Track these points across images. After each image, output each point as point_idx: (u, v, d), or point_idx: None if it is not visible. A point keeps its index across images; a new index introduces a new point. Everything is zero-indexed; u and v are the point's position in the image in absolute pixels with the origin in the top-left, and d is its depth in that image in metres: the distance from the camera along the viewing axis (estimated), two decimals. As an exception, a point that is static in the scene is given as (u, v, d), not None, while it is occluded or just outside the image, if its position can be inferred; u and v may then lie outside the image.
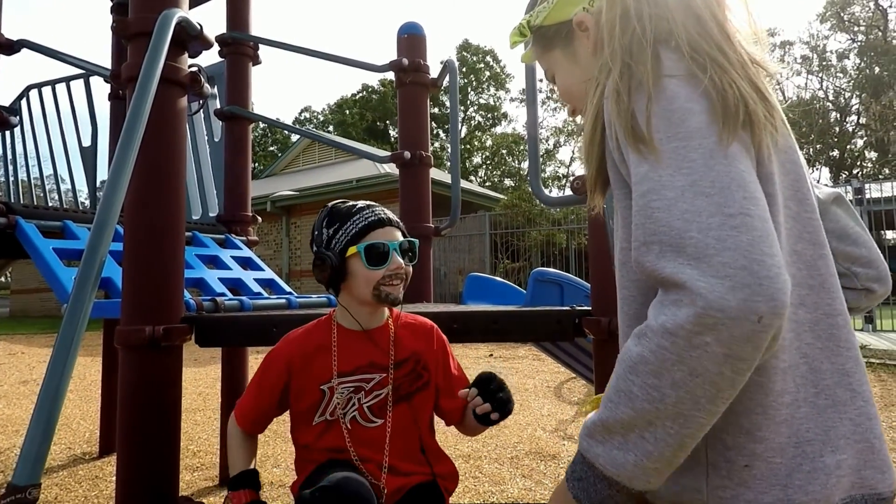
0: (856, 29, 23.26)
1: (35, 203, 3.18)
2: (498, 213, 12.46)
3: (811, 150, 21.49)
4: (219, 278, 2.43)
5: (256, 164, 30.61)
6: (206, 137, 3.22)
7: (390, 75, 2.83)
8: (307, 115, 37.13)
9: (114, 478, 2.21)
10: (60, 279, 1.91)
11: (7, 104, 3.29)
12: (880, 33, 22.34)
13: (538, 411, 4.08)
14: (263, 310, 2.05)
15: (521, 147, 29.71)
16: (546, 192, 1.97)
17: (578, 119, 0.90)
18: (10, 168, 3.39)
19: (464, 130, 32.00)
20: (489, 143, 32.28)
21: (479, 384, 1.19)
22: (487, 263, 11.54)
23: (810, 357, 0.63)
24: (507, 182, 30.45)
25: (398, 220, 1.28)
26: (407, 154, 2.68)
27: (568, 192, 1.75)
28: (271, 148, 34.17)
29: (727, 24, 0.66)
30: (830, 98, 23.49)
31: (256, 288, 2.56)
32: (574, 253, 11.56)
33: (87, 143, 3.37)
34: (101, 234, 1.26)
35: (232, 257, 2.74)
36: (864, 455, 0.63)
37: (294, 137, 21.72)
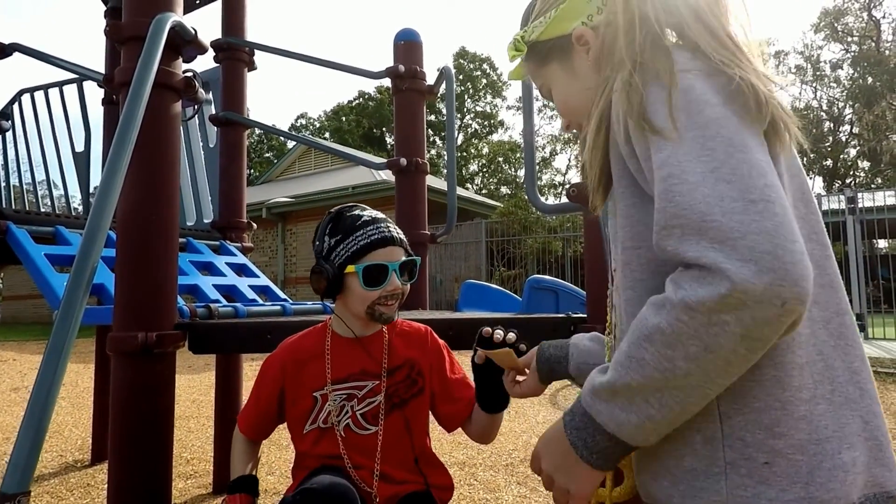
0: (849, 39, 23.52)
1: (27, 208, 3.16)
2: (494, 220, 12.47)
3: (805, 158, 21.64)
4: (213, 285, 2.42)
5: (252, 171, 30.58)
6: (201, 143, 3.21)
7: (387, 82, 2.84)
8: (303, 122, 37.17)
9: (106, 486, 2.18)
10: (52, 285, 1.90)
11: (-1, 109, 3.29)
12: (873, 44, 22.59)
13: (533, 418, 4.07)
14: (258, 316, 2.04)
15: (518, 155, 29.80)
16: (542, 199, 1.97)
17: (573, 132, 0.92)
18: (2, 173, 3.37)
19: (460, 138, 32.07)
20: (486, 150, 32.38)
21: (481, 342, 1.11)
22: (483, 271, 11.53)
23: (825, 354, 0.64)
24: (504, 190, 30.51)
25: (402, 237, 1.24)
26: (403, 161, 2.68)
27: (564, 199, 1.75)
28: (267, 154, 34.17)
29: (737, 38, 0.68)
30: (824, 108, 23.71)
31: (251, 295, 2.55)
32: (570, 261, 11.58)
33: (80, 148, 3.35)
34: (93, 239, 1.25)
35: (226, 264, 2.72)
36: (873, 452, 0.63)
37: (290, 144, 21.75)
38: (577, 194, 1.63)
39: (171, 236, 1.65)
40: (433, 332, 1.34)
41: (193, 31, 1.63)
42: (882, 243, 16.73)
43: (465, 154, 31.64)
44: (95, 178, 3.42)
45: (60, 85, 3.30)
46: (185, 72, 1.77)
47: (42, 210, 3.28)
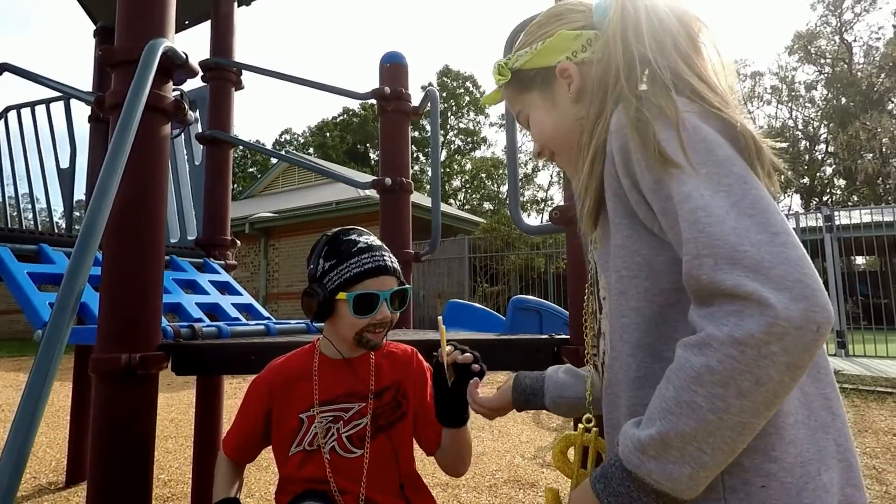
0: (822, 61, 24.25)
1: (10, 225, 3.13)
2: (477, 236, 12.53)
3: (783, 177, 22.11)
4: (196, 303, 2.41)
5: (236, 186, 30.36)
6: (187, 160, 3.21)
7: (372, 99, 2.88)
8: (287, 137, 37.14)
9: (82, 510, 2.14)
10: (34, 304, 1.88)
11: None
12: (846, 66, 23.33)
13: (517, 438, 4.07)
14: (242, 336, 2.03)
15: (501, 171, 30.05)
16: (525, 215, 2.01)
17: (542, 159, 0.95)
18: (-14, 190, 3.33)
19: (444, 154, 32.28)
20: (469, 166, 32.60)
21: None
22: (466, 287, 11.56)
23: (801, 382, 0.67)
24: (487, 205, 30.70)
25: (396, 266, 1.23)
26: (388, 180, 2.71)
27: (547, 218, 1.79)
28: (251, 169, 33.99)
29: (720, 87, 0.73)
30: (800, 127, 24.34)
31: (234, 313, 2.54)
32: (552, 277, 11.66)
33: (65, 164, 3.33)
34: (81, 259, 1.25)
35: (210, 282, 2.71)
36: (845, 473, 0.66)
37: (274, 159, 21.68)
38: (560, 216, 1.67)
39: (157, 257, 1.65)
40: (419, 354, 1.35)
41: (184, 56, 1.66)
42: (860, 260, 17.12)
43: (448, 170, 31.81)
44: (80, 195, 3.40)
45: (47, 102, 3.29)
46: (173, 89, 1.79)
47: (25, 227, 3.24)
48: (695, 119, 0.67)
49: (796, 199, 24.71)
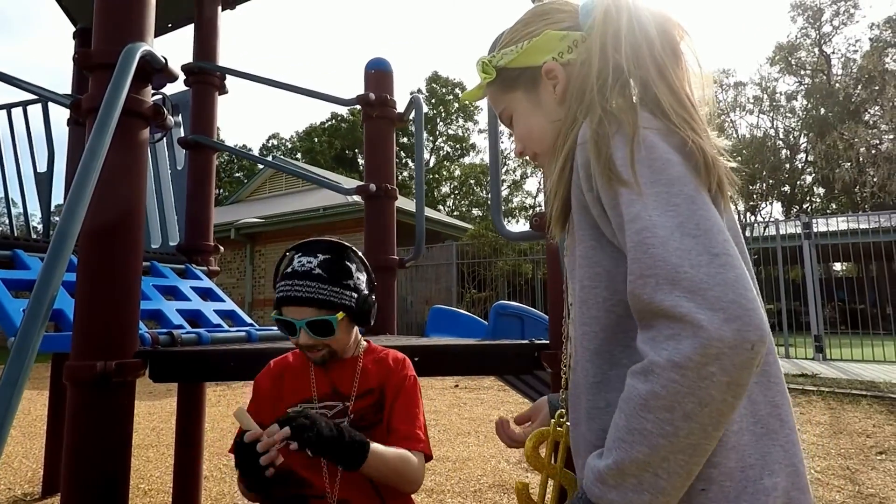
0: (802, 73, 24.73)
1: (-16, 230, 3.07)
2: (465, 242, 12.55)
3: (764, 185, 22.50)
4: (177, 310, 2.38)
5: (221, 191, 30.13)
6: (169, 165, 3.18)
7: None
8: (275, 142, 36.97)
9: (56, 521, 2.10)
10: (8, 311, 1.84)
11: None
12: (825, 77, 23.81)
13: (502, 443, 4.06)
14: (222, 343, 2.01)
15: (489, 177, 30.12)
16: (513, 222, 2.02)
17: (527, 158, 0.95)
18: (-40, 194, 3.27)
19: (432, 160, 32.35)
20: (457, 173, 32.69)
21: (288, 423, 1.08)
22: (454, 293, 11.56)
23: (749, 390, 0.68)
24: (475, 212, 30.79)
25: (316, 296, 1.20)
26: (372, 186, 2.70)
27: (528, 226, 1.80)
28: (237, 174, 33.77)
29: (693, 98, 0.74)
30: (781, 136, 24.75)
31: (216, 320, 2.51)
32: (540, 283, 11.70)
33: (42, 168, 3.28)
34: (53, 267, 1.23)
35: (192, 288, 2.68)
36: (791, 478, 0.68)
37: (261, 164, 21.57)
38: (541, 223, 1.68)
39: (134, 262, 1.63)
40: (408, 362, 1.34)
41: (164, 60, 1.64)
42: (837, 266, 17.43)
43: (436, 176, 31.88)
44: (57, 199, 3.35)
45: (24, 105, 3.25)
46: (154, 93, 1.77)
47: (0, 232, 3.19)
48: (652, 137, 0.68)
49: (777, 206, 25.12)
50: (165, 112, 1.65)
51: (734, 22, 46.45)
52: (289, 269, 1.23)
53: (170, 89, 3.00)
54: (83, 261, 1.57)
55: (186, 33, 3.21)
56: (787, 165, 24.12)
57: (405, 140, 28.78)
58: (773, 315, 10.24)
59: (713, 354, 0.55)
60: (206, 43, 3.05)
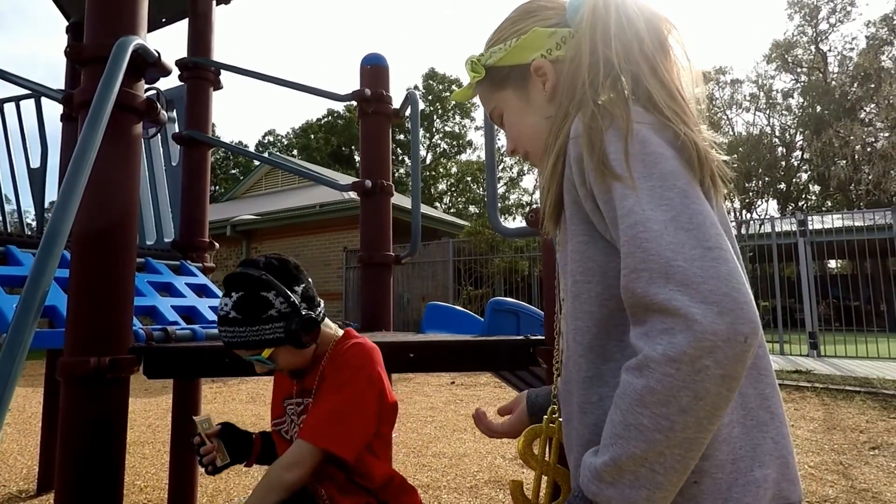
0: (799, 70, 24.76)
1: (-23, 226, 3.05)
2: (462, 239, 12.55)
3: (760, 182, 22.56)
4: (172, 306, 2.37)
5: (217, 188, 30.05)
6: (164, 161, 3.16)
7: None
8: (271, 139, 36.86)
9: (50, 517, 2.09)
10: (1, 308, 1.83)
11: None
12: (821, 75, 23.85)
13: (498, 439, 4.07)
14: (217, 339, 2.00)
15: (485, 174, 30.08)
16: (510, 219, 2.02)
17: (513, 158, 0.95)
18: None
19: (429, 157, 32.31)
20: (454, 170, 32.66)
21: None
22: (451, 290, 11.56)
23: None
24: (472, 209, 30.78)
25: (240, 340, 1.23)
26: (368, 183, 2.69)
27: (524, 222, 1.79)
28: (233, 171, 33.68)
29: (684, 92, 0.74)
30: (777, 134, 24.80)
31: (211, 316, 2.50)
32: (536, 280, 11.71)
33: (35, 164, 3.26)
34: (45, 262, 1.22)
35: (187, 284, 2.67)
36: (781, 470, 0.69)
37: (257, 161, 21.50)
38: (536, 219, 1.67)
39: (127, 257, 1.62)
40: (355, 352, 1.30)
41: (157, 54, 1.63)
42: (832, 263, 17.50)
43: (433, 173, 31.84)
44: (51, 195, 3.33)
45: (17, 100, 3.22)
46: (148, 89, 1.76)
47: (-8, 228, 3.16)
48: (645, 131, 0.68)
49: (773, 204, 25.19)
50: (159, 107, 1.64)
51: (731, 19, 46.50)
52: (219, 311, 1.26)
53: (164, 84, 2.99)
54: (76, 256, 1.56)
55: (181, 28, 3.19)
56: (783, 163, 24.18)
57: (402, 137, 28.74)
58: (767, 312, 10.29)
59: (707, 348, 0.55)
60: (200, 38, 3.03)
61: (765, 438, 0.68)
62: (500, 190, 30.97)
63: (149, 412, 5.24)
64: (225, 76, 3.07)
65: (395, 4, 57.92)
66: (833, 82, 23.34)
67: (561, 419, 0.88)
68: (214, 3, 3.12)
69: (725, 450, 0.66)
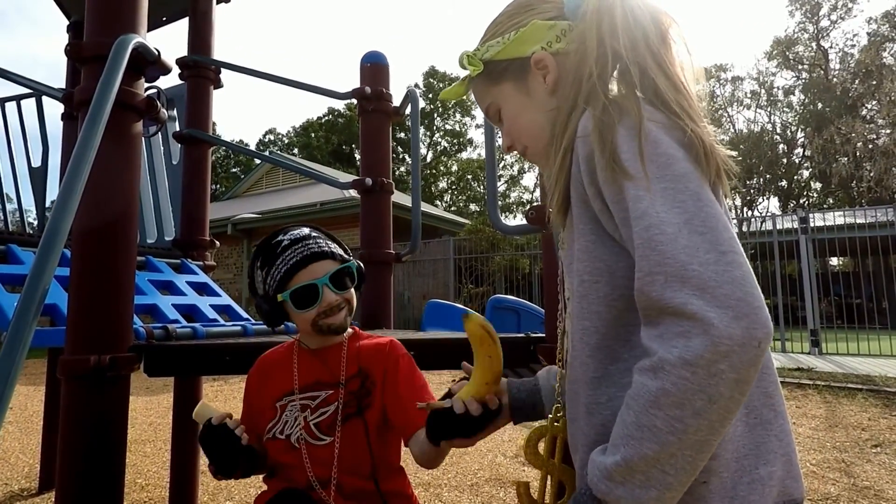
0: (800, 67, 24.71)
1: (-22, 225, 3.05)
2: (462, 237, 12.55)
3: (761, 179, 22.53)
4: (172, 304, 2.37)
5: (218, 186, 30.06)
6: (164, 160, 3.16)
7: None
8: (271, 138, 36.86)
9: (52, 515, 2.09)
10: (2, 306, 1.84)
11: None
12: (822, 72, 23.80)
13: (499, 437, 4.07)
14: (218, 337, 2.01)
15: (485, 172, 30.03)
16: (511, 217, 2.02)
17: (510, 155, 0.93)
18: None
19: (430, 155, 32.29)
20: (455, 168, 32.64)
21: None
22: (451, 288, 11.56)
23: None
24: (473, 207, 30.77)
25: (331, 246, 1.25)
26: (368, 181, 2.69)
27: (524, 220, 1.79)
28: (234, 169, 33.69)
29: (687, 84, 0.74)
30: (778, 131, 24.75)
31: (212, 314, 2.51)
32: (537, 278, 11.71)
33: (36, 163, 3.27)
34: (45, 260, 1.22)
35: (187, 283, 2.67)
36: (786, 467, 0.69)
37: (257, 160, 21.51)
38: (536, 216, 1.67)
39: (128, 256, 1.63)
40: (397, 343, 1.33)
41: (156, 52, 1.63)
42: (834, 261, 17.49)
43: (434, 171, 31.83)
44: (52, 194, 3.34)
45: (18, 99, 3.22)
46: (148, 88, 1.76)
47: (-6, 227, 3.17)
48: (657, 130, 0.68)
49: (774, 201, 25.14)
50: (159, 105, 1.64)
51: (732, 17, 46.39)
52: (285, 242, 1.23)
53: (165, 83, 2.99)
54: (77, 255, 1.56)
55: (181, 27, 3.19)
56: (785, 160, 24.15)
57: (402, 135, 28.73)
58: (769, 309, 10.25)
59: (723, 352, 0.56)
60: (200, 36, 3.03)
61: (769, 436, 0.69)
62: (501, 188, 30.96)
63: (150, 410, 5.25)
64: (225, 74, 3.07)
65: (394, 2, 57.87)
66: (834, 79, 23.28)
67: (565, 418, 0.88)
68: (215, 1, 3.12)
69: (730, 448, 0.66)
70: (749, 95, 24.85)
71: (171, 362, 1.69)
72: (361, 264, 1.32)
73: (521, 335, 1.71)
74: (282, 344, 1.38)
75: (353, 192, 3.04)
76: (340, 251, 1.28)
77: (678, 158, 0.66)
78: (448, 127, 33.34)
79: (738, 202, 20.77)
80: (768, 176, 22.77)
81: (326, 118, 33.79)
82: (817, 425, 4.14)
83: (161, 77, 1.77)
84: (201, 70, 2.95)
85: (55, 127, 3.38)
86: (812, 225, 8.59)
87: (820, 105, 23.02)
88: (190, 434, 2.67)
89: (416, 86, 31.37)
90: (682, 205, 0.62)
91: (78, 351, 1.50)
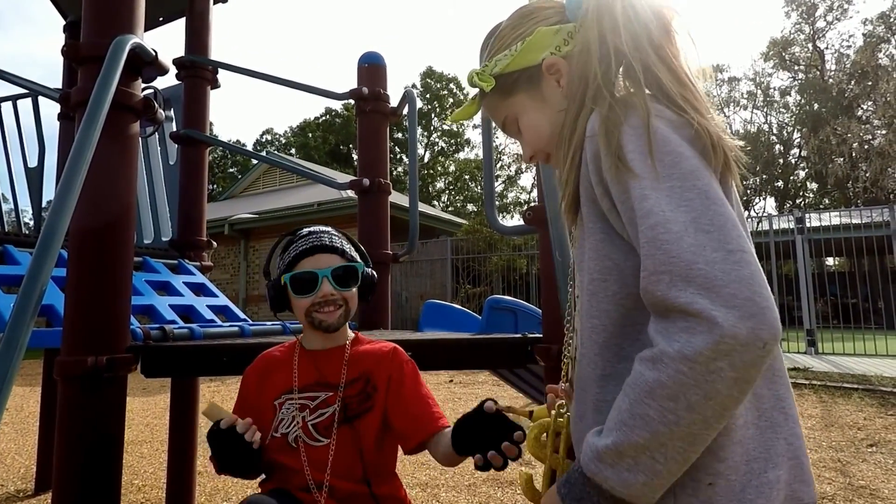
0: (796, 68, 24.79)
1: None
2: (460, 238, 12.54)
3: (758, 180, 22.60)
4: (170, 305, 2.37)
5: (215, 186, 30.01)
6: (161, 160, 3.16)
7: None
8: (269, 138, 36.78)
9: (49, 517, 2.09)
10: (-3, 306, 1.83)
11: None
12: (818, 73, 23.88)
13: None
14: (215, 338, 2.01)
15: (483, 172, 30.03)
16: (508, 217, 2.03)
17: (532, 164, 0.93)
18: (-51, 189, 3.24)
19: (427, 156, 32.28)
20: (452, 168, 32.64)
21: (460, 431, 1.10)
22: (449, 288, 11.56)
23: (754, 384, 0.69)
24: (470, 207, 30.77)
25: (343, 245, 1.30)
26: (366, 181, 2.70)
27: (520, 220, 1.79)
28: (231, 170, 33.62)
29: (690, 75, 0.74)
30: (774, 132, 24.84)
31: (209, 315, 2.50)
32: (534, 278, 11.72)
33: (33, 163, 3.26)
34: (42, 261, 1.22)
35: (184, 283, 2.67)
36: (794, 471, 0.69)
37: (255, 160, 21.48)
38: (533, 217, 1.68)
39: (125, 256, 1.62)
40: (400, 350, 1.34)
41: (153, 53, 1.63)
42: (830, 261, 17.54)
43: (431, 172, 31.82)
44: (49, 194, 3.33)
45: (14, 99, 3.21)
46: (145, 89, 1.76)
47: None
48: (664, 129, 0.68)
49: (770, 201, 25.22)
50: (156, 106, 1.64)
51: (728, 17, 46.53)
52: (303, 232, 1.28)
53: (162, 83, 2.99)
54: (73, 255, 1.56)
55: (178, 27, 3.19)
56: (781, 161, 24.23)
57: (400, 135, 28.73)
58: (766, 309, 10.26)
59: (724, 350, 0.56)
60: (197, 36, 3.03)
61: (778, 439, 0.68)
62: (498, 188, 30.99)
63: (147, 411, 5.23)
64: (222, 75, 3.07)
65: (392, 2, 57.88)
66: (830, 80, 23.37)
67: (570, 414, 0.88)
68: (212, 1, 3.12)
69: (739, 451, 0.66)
70: (746, 96, 24.94)
71: (168, 363, 1.69)
72: (374, 273, 1.35)
73: (519, 335, 1.71)
74: (283, 343, 1.39)
75: (350, 193, 3.04)
76: (353, 253, 1.31)
77: (686, 156, 0.66)
78: (445, 127, 33.33)
79: (735, 202, 20.78)
80: (765, 176, 22.85)
81: (324, 118, 33.75)
82: (813, 425, 4.15)
83: (158, 77, 1.77)
84: (198, 70, 2.95)
85: (52, 127, 3.37)
86: (808, 225, 8.61)
87: (816, 106, 23.10)
88: (187, 435, 2.67)
89: (414, 86, 31.38)
90: (689, 203, 0.62)
91: (74, 352, 1.50)
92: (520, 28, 0.85)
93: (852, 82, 22.43)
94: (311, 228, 1.31)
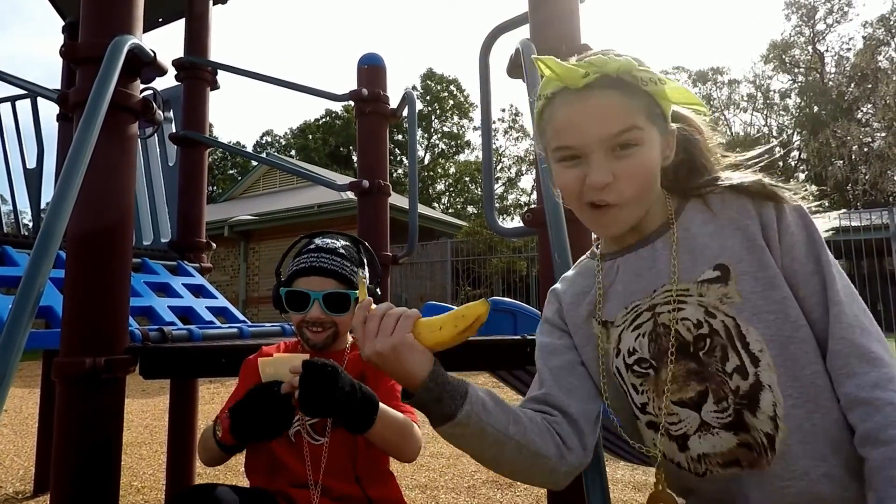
0: (796, 70, 24.85)
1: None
2: (460, 239, 12.55)
3: (757, 182, 22.59)
4: (169, 306, 2.37)
5: (215, 188, 30.02)
6: (160, 161, 3.16)
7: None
8: (268, 139, 36.81)
9: (46, 519, 2.08)
10: (-4, 307, 1.83)
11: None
12: (818, 75, 23.94)
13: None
14: (214, 339, 2.00)
15: (482, 173, 30.04)
16: (508, 219, 2.03)
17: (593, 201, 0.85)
18: (-52, 190, 3.24)
19: (427, 158, 32.30)
20: (452, 170, 32.66)
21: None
22: (449, 290, 11.56)
23: None
24: (470, 209, 30.78)
25: (340, 270, 1.26)
26: (365, 183, 2.70)
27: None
28: (231, 171, 33.64)
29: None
30: (774, 134, 24.88)
31: (208, 316, 2.50)
32: (534, 280, 11.72)
33: (31, 164, 3.25)
34: (40, 261, 1.22)
35: (184, 285, 2.67)
36: None
37: (255, 161, 21.50)
38: (533, 219, 1.67)
39: (123, 257, 1.62)
40: None
41: (152, 54, 1.62)
42: (830, 264, 17.51)
43: (431, 174, 31.84)
44: (47, 196, 3.32)
45: (13, 99, 3.21)
46: (144, 90, 1.75)
47: (-12, 228, 3.15)
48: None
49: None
50: (155, 107, 1.64)
51: (728, 20, 46.58)
52: (311, 246, 1.29)
53: (161, 84, 2.98)
54: (72, 256, 1.56)
55: (177, 28, 3.19)
56: (781, 163, 24.26)
57: (400, 137, 28.75)
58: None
59: None
60: (197, 37, 3.03)
61: None
62: (498, 190, 31.00)
63: (146, 413, 5.23)
64: (222, 76, 3.06)
65: (392, 4, 57.98)
66: (830, 83, 23.41)
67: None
68: (211, 2, 3.12)
69: None
70: (745, 98, 24.99)
71: (167, 364, 1.69)
72: (377, 290, 1.34)
73: (518, 337, 1.70)
74: (285, 341, 1.41)
75: (350, 194, 3.04)
76: (353, 277, 1.27)
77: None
78: (446, 129, 33.35)
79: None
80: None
81: (324, 120, 33.77)
82: (813, 427, 4.15)
83: (157, 78, 1.77)
84: (197, 71, 2.95)
85: (50, 128, 3.37)
86: (808, 227, 8.62)
87: (816, 108, 23.14)
88: (186, 437, 2.66)
89: (414, 88, 31.40)
90: (840, 273, 0.87)
91: (73, 353, 1.50)
92: (653, 73, 0.83)
93: (852, 85, 22.46)
94: (321, 243, 1.30)
